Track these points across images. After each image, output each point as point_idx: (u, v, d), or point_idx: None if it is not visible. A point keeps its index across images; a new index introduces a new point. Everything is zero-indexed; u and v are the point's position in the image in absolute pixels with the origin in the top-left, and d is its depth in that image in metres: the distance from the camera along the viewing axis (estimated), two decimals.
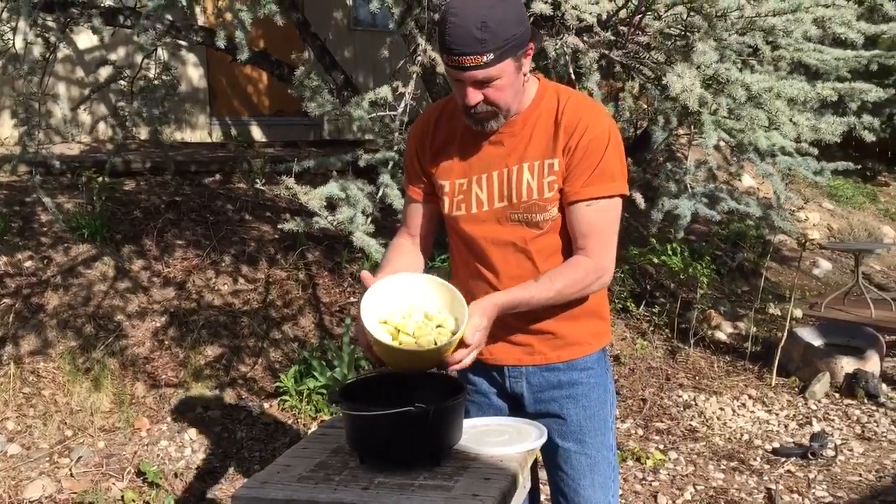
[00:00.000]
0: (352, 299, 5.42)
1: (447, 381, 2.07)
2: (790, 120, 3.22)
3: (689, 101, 2.86)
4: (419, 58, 3.78)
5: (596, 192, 1.92)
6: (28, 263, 4.87)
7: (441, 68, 3.81)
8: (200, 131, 8.51)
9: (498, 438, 2.08)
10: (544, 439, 2.05)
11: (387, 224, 4.32)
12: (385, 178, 3.63)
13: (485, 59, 1.77)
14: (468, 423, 2.14)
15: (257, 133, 8.91)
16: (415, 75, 3.82)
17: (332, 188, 3.42)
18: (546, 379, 2.13)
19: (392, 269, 2.06)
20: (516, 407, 2.20)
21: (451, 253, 2.19)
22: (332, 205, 3.45)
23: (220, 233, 5.60)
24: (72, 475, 3.73)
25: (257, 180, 3.99)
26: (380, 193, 3.60)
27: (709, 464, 4.18)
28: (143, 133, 6.36)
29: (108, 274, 4.95)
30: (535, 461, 2.17)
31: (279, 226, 3.58)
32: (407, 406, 1.79)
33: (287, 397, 4.38)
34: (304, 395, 4.37)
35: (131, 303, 4.83)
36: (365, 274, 1.93)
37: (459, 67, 1.80)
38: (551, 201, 1.95)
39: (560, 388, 2.13)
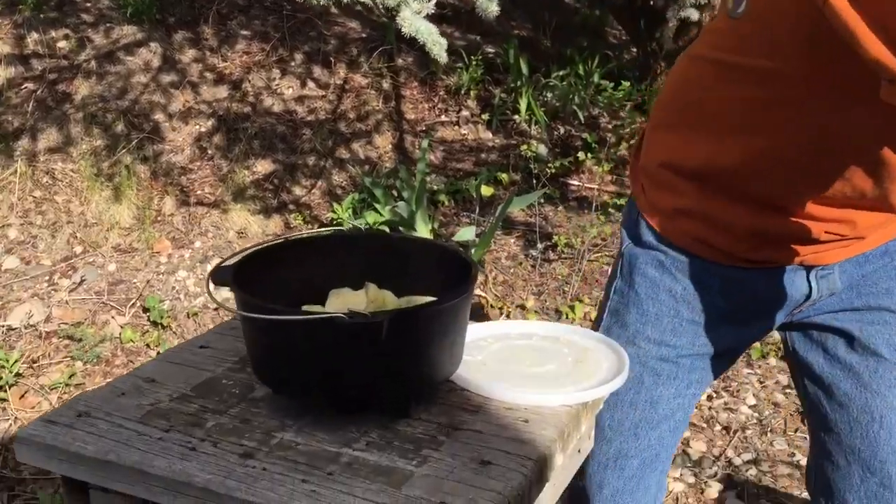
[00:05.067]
0: (443, 118, 4.46)
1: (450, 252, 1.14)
2: None
3: None
4: None
5: None
6: (62, 44, 4.12)
7: None
8: None
9: (537, 369, 1.16)
10: (625, 376, 1.11)
11: None
12: None
13: None
14: (487, 331, 1.24)
15: None
16: None
17: None
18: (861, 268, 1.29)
19: None
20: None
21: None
22: None
23: (294, 24, 4.66)
24: (67, 302, 3.09)
25: None
26: None
27: None
28: None
29: (153, 63, 4.14)
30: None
31: None
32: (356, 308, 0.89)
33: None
34: None
35: (175, 100, 4.04)
36: None
37: None
38: None
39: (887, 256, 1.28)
